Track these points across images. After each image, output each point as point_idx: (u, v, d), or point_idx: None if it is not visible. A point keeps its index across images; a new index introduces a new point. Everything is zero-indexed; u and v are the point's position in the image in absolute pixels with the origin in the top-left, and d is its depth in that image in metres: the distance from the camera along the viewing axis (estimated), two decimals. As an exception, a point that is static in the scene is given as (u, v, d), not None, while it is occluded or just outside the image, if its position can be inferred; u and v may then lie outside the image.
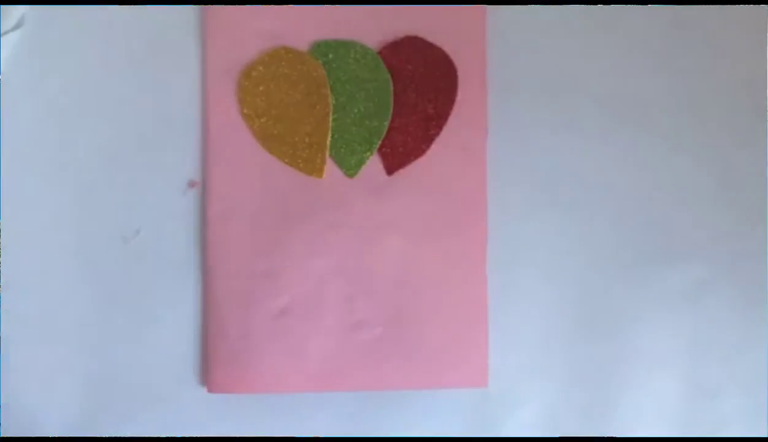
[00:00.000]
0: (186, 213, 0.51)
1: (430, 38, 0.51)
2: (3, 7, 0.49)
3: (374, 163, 0.51)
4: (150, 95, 0.51)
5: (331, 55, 0.51)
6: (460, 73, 0.51)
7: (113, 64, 0.51)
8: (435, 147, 0.51)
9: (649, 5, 0.51)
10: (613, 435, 0.51)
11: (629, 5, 0.51)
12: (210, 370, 0.50)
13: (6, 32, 0.49)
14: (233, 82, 0.51)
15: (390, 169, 0.51)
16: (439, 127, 0.51)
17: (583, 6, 0.51)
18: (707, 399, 0.51)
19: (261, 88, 0.51)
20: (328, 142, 0.51)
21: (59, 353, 0.50)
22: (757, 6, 0.52)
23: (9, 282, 0.50)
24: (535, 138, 0.51)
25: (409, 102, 0.51)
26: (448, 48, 0.51)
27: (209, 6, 0.50)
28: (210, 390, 0.50)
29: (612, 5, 0.51)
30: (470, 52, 0.51)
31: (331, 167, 0.51)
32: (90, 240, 0.50)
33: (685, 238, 0.52)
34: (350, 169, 0.51)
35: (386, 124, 0.51)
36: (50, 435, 0.50)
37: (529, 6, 0.51)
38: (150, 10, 0.51)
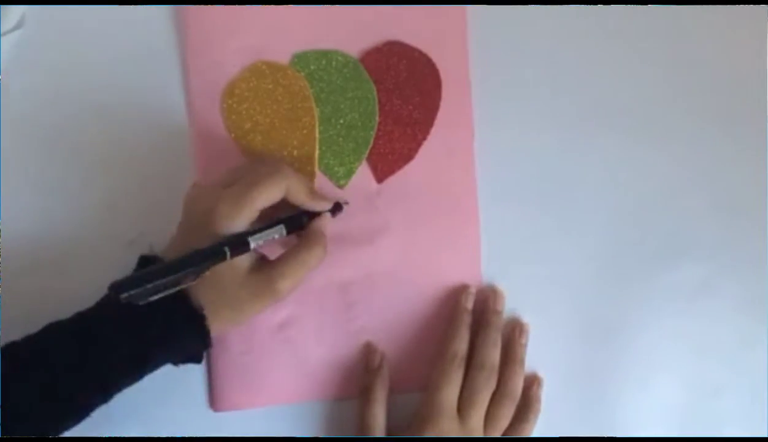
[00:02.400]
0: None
1: (411, 42, 0.51)
2: (3, 7, 0.49)
3: (364, 172, 0.51)
4: (141, 115, 0.51)
5: (312, 67, 0.51)
6: (443, 75, 0.51)
7: (104, 77, 0.51)
8: (423, 151, 0.51)
9: (645, 5, 0.51)
10: (614, 435, 0.51)
11: (615, 5, 0.51)
12: (215, 389, 0.50)
13: (6, 32, 0.49)
14: (217, 102, 0.50)
15: (380, 177, 0.51)
16: (426, 132, 0.51)
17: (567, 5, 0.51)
18: (708, 398, 0.52)
19: (245, 105, 0.50)
20: (316, 155, 0.51)
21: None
22: (757, 6, 0.52)
23: (8, 285, 0.50)
24: (523, 137, 0.51)
25: (394, 108, 0.51)
26: (429, 50, 0.51)
27: (188, 27, 0.50)
28: (216, 409, 0.50)
29: (599, 5, 0.51)
30: (452, 54, 0.51)
31: (321, 179, 0.51)
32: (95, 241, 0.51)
33: (686, 238, 0.52)
34: (340, 179, 0.51)
35: (373, 132, 0.51)
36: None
37: (510, 6, 0.51)
38: (131, 34, 0.51)
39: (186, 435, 0.50)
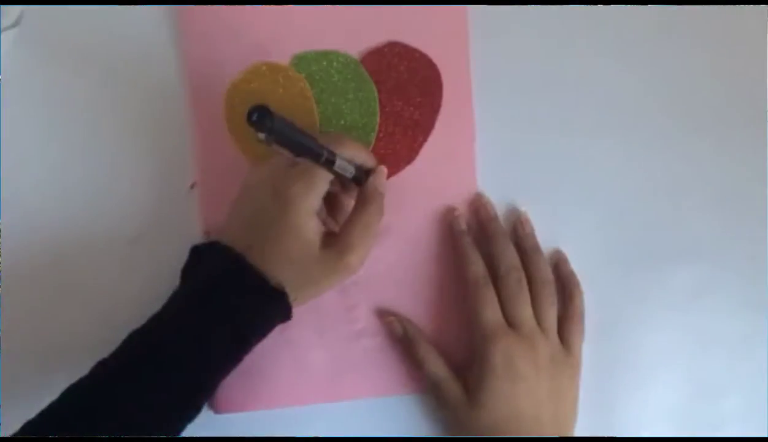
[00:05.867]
0: (187, 214, 0.51)
1: (412, 42, 0.50)
2: (2, 6, 0.49)
3: (365, 173, 0.51)
4: (141, 115, 0.51)
5: (312, 67, 0.50)
6: (444, 76, 0.50)
7: (102, 77, 0.51)
8: (424, 153, 0.51)
9: (646, 5, 0.51)
10: (615, 435, 0.51)
11: (616, 5, 0.51)
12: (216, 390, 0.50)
13: (5, 29, 0.49)
14: (217, 103, 0.50)
15: (381, 178, 0.51)
16: (427, 133, 0.50)
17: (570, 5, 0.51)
18: (708, 398, 0.52)
19: (245, 106, 0.50)
20: (316, 156, 0.51)
21: (60, 355, 0.50)
22: (757, 6, 0.51)
23: (9, 284, 0.50)
24: (524, 138, 0.51)
25: (395, 109, 0.50)
26: (429, 51, 0.50)
27: (187, 27, 0.50)
28: (217, 411, 0.50)
29: (600, 5, 0.51)
30: (452, 54, 0.50)
31: (321, 180, 0.51)
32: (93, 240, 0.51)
33: (686, 238, 0.52)
34: (341, 181, 0.51)
35: (373, 133, 0.50)
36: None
37: (510, 6, 0.51)
38: (130, 34, 0.51)
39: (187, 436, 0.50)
